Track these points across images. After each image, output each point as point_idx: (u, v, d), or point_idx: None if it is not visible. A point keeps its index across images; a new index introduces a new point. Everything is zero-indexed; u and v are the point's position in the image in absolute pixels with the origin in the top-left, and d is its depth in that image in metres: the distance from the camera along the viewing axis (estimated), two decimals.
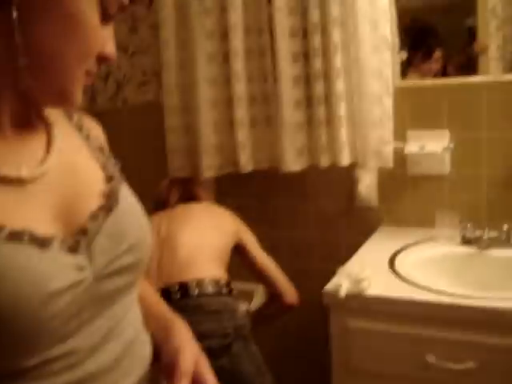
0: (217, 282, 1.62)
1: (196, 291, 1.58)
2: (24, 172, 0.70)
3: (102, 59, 0.74)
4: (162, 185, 2.01)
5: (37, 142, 0.76)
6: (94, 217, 0.74)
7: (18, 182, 0.70)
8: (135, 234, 0.78)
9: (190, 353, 0.82)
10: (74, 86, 0.71)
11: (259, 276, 1.86)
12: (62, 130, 0.79)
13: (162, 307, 0.96)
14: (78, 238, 0.72)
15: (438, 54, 2.03)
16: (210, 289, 1.60)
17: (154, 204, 1.89)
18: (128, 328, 0.79)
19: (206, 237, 1.74)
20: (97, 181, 0.80)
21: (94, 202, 0.76)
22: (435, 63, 2.04)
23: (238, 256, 1.84)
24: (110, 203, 0.77)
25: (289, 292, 1.85)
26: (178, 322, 0.91)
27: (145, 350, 0.83)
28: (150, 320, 0.88)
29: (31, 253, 0.65)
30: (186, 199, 1.94)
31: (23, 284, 0.63)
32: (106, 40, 0.73)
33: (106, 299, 0.74)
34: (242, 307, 1.71)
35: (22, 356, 0.65)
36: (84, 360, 0.71)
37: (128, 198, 0.82)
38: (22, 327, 0.63)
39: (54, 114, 0.81)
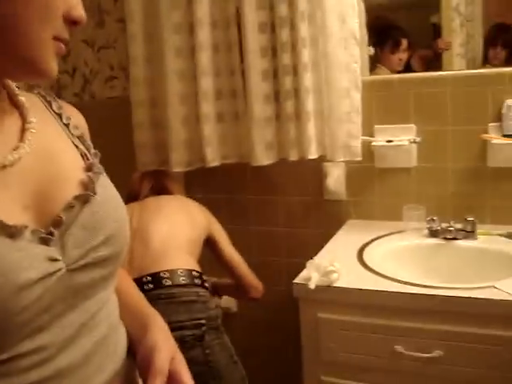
0: (189, 273, 1.62)
1: (168, 282, 1.58)
2: None
3: (70, 23, 0.70)
4: (134, 177, 2.01)
5: (10, 128, 0.73)
6: (69, 207, 0.72)
7: None
8: (112, 226, 0.76)
9: (166, 350, 0.80)
10: (42, 53, 0.68)
11: (227, 269, 1.89)
12: (38, 117, 0.77)
13: (141, 301, 0.94)
14: (52, 229, 0.69)
15: (404, 43, 2.06)
16: (182, 279, 1.59)
17: (126, 196, 1.89)
18: (102, 323, 0.77)
19: (178, 228, 1.74)
20: (75, 169, 0.77)
21: (70, 191, 0.74)
22: (403, 53, 2.07)
23: (208, 248, 1.85)
24: (87, 193, 0.74)
25: (254, 287, 1.91)
26: (155, 318, 0.89)
27: (119, 346, 0.81)
28: (127, 314, 0.87)
29: (1, 242, 0.63)
30: (157, 191, 1.94)
31: None
32: (73, 2, 0.70)
33: (79, 293, 0.72)
34: (214, 298, 1.72)
35: None
36: (55, 356, 0.69)
37: (106, 189, 0.80)
38: None
39: (30, 101, 0.79)
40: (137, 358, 0.81)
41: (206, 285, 1.67)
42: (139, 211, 1.77)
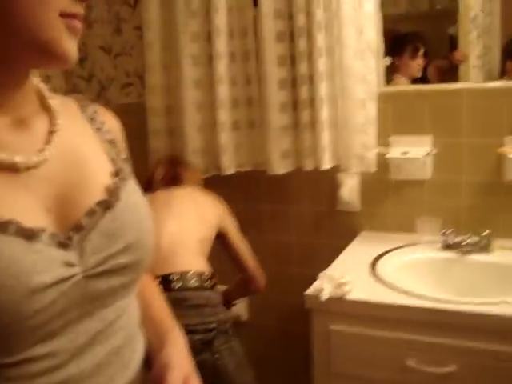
0: (200, 276, 1.61)
1: (179, 284, 1.56)
2: (18, 159, 0.67)
3: None
4: (151, 163, 1.99)
5: (37, 130, 0.73)
6: (90, 212, 0.71)
7: (10, 170, 0.67)
8: (134, 234, 0.75)
9: (180, 369, 0.78)
10: (54, 34, 0.65)
11: (233, 259, 1.88)
12: (69, 121, 0.77)
13: (163, 311, 0.92)
14: (71, 234, 0.69)
15: (422, 50, 2.06)
16: (192, 282, 1.58)
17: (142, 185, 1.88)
18: (118, 333, 0.75)
19: (189, 228, 1.72)
20: (101, 174, 0.76)
21: (94, 196, 0.73)
22: (421, 58, 2.06)
23: (216, 239, 1.83)
24: (109, 199, 0.74)
25: (258, 278, 1.90)
26: (175, 333, 0.87)
27: (134, 359, 0.79)
28: (148, 323, 0.85)
29: (16, 244, 0.62)
30: (171, 179, 1.91)
31: (5, 276, 0.60)
32: None
33: (96, 300, 0.71)
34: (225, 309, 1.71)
35: (0, 352, 0.63)
36: (66, 363, 0.68)
37: (132, 196, 0.78)
38: (2, 322, 0.61)
39: (64, 105, 0.78)
40: (151, 373, 0.80)
41: (216, 287, 1.66)
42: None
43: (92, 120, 0.82)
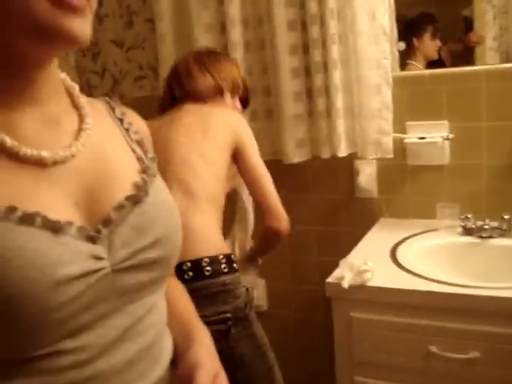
0: (215, 261, 1.50)
1: (191, 274, 1.47)
2: (45, 154, 0.67)
3: None
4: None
5: (67, 127, 0.73)
6: (119, 207, 0.72)
7: (37, 164, 0.67)
8: (162, 229, 0.75)
9: (209, 368, 0.78)
10: (54, 14, 0.62)
11: (250, 185, 1.67)
12: (98, 120, 0.77)
13: (190, 311, 0.92)
14: (100, 227, 0.69)
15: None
16: (207, 270, 1.48)
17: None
18: (148, 329, 0.75)
19: (199, 184, 1.57)
20: (130, 171, 0.77)
21: (122, 191, 0.73)
22: (439, 40, 2.04)
23: (233, 161, 1.67)
24: (139, 194, 0.74)
25: (277, 212, 1.65)
26: (202, 332, 0.87)
27: (164, 355, 0.79)
28: (174, 323, 0.85)
29: (42, 237, 0.63)
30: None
31: (31, 268, 0.60)
32: None
33: (124, 295, 0.71)
34: (242, 285, 1.59)
35: (29, 345, 0.63)
36: (96, 358, 0.68)
37: (160, 192, 0.79)
38: (29, 314, 0.61)
39: (93, 105, 0.79)
40: (178, 372, 0.80)
41: (235, 266, 1.55)
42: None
43: (121, 121, 0.83)
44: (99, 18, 2.33)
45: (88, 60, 2.43)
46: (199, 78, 1.70)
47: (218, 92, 1.71)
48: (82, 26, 0.65)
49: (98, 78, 2.44)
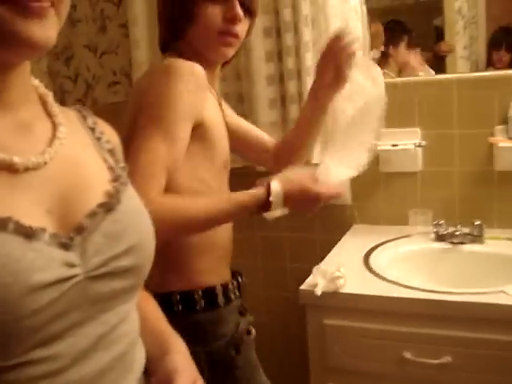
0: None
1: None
2: (16, 159, 0.66)
3: None
4: None
5: (40, 134, 0.73)
6: (92, 214, 0.71)
7: (9, 170, 0.66)
8: (136, 236, 0.75)
9: (188, 375, 0.78)
10: (11, 19, 0.61)
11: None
12: (70, 129, 0.77)
13: (162, 321, 0.92)
14: (72, 235, 0.68)
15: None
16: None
17: None
18: (122, 339, 0.74)
19: None
20: (102, 180, 0.77)
21: (95, 199, 0.73)
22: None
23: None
24: (111, 202, 0.74)
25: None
26: (177, 341, 0.87)
27: (136, 365, 0.78)
28: (147, 332, 0.84)
29: (15, 242, 0.61)
30: None
31: (4, 273, 0.59)
32: None
33: (98, 303, 0.70)
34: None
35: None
36: (67, 367, 0.66)
37: (132, 200, 0.79)
38: (0, 321, 0.59)
39: (66, 114, 0.79)
40: (154, 380, 0.79)
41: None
42: None
43: (92, 130, 0.83)
44: (72, 23, 2.31)
45: (61, 65, 2.40)
46: None
47: None
48: (44, 31, 0.63)
49: (70, 83, 2.41)
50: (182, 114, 1.21)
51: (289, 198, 1.27)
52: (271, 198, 1.24)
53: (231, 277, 1.44)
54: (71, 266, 0.66)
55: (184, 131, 1.22)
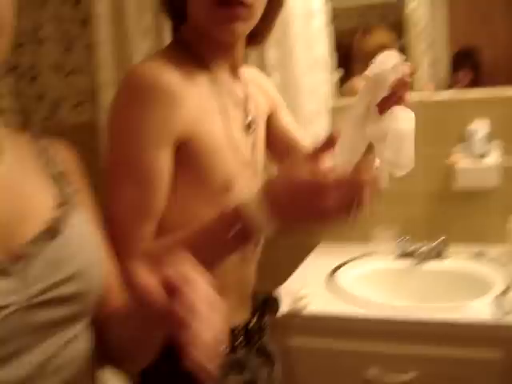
0: None
1: None
2: None
3: None
4: None
5: None
6: (34, 241, 0.70)
7: None
8: (79, 264, 0.73)
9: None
10: None
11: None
12: (16, 154, 0.75)
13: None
14: (12, 262, 0.67)
15: None
16: None
17: None
18: (66, 367, 0.72)
19: None
20: (45, 206, 0.75)
21: (38, 226, 0.71)
22: None
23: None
24: (54, 229, 0.72)
25: None
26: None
27: None
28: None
29: None
30: None
31: None
32: None
33: (38, 331, 0.68)
34: None
35: None
36: None
37: (78, 227, 0.76)
38: None
39: (13, 138, 0.77)
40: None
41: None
42: None
43: (40, 153, 0.80)
44: (38, 42, 2.30)
45: (25, 84, 2.38)
46: None
47: None
48: None
49: (35, 102, 2.39)
50: (151, 140, 0.98)
51: (275, 203, 0.90)
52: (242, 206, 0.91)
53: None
54: (8, 293, 0.65)
55: (159, 160, 0.98)
